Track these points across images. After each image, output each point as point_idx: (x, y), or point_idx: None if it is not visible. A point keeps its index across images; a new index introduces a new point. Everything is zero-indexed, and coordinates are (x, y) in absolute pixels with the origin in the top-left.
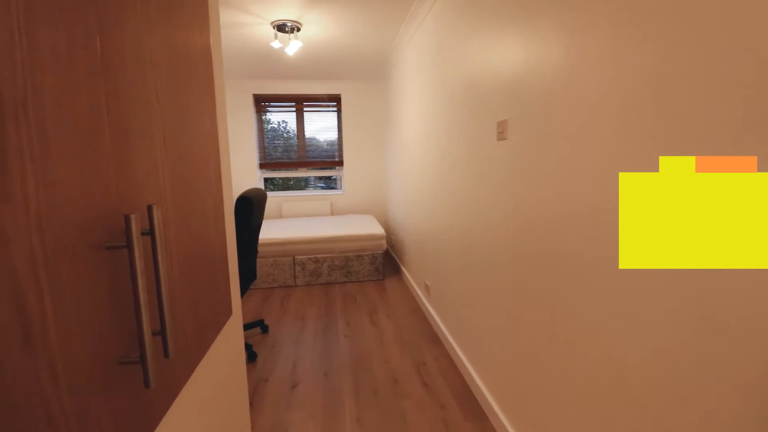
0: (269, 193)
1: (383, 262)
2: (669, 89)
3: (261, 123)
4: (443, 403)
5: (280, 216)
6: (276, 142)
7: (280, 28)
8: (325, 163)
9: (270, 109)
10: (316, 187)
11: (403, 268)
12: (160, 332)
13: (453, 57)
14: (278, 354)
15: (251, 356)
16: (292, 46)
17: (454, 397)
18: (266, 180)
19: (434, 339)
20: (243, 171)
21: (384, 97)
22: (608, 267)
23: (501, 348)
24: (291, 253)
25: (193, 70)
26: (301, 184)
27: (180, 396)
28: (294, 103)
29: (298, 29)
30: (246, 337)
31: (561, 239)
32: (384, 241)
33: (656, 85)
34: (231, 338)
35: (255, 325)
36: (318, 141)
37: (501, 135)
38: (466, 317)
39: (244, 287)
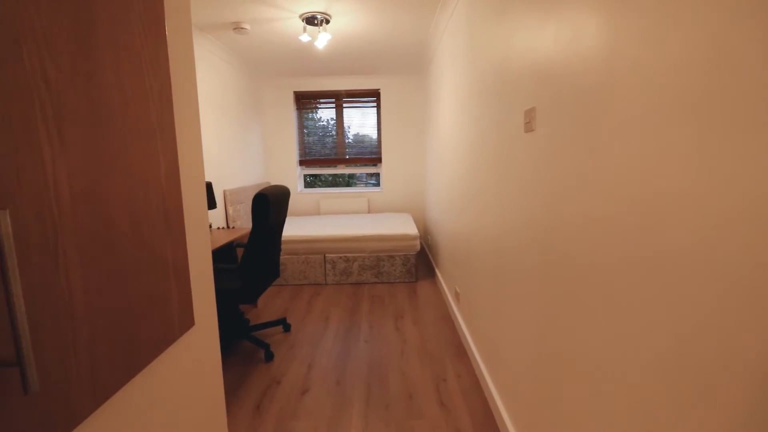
0: (309, 190)
1: (416, 263)
2: (734, 71)
3: (301, 120)
4: (458, 429)
5: (318, 213)
6: (315, 138)
7: (310, 20)
8: (364, 160)
9: (310, 105)
10: (368, 184)
11: (437, 271)
12: (17, 363)
13: (483, 40)
14: (295, 355)
15: (268, 356)
16: (321, 39)
17: (472, 423)
18: (313, 177)
19: (460, 352)
20: (284, 168)
21: (423, 90)
22: (660, 278)
23: (528, 374)
24: (322, 251)
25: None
26: (350, 181)
27: (92, 420)
28: (333, 99)
29: (328, 21)
30: (267, 336)
31: (597, 244)
32: (417, 242)
33: (720, 66)
34: (196, 350)
35: (278, 323)
36: (357, 137)
37: (528, 126)
38: (492, 331)
39: (264, 285)
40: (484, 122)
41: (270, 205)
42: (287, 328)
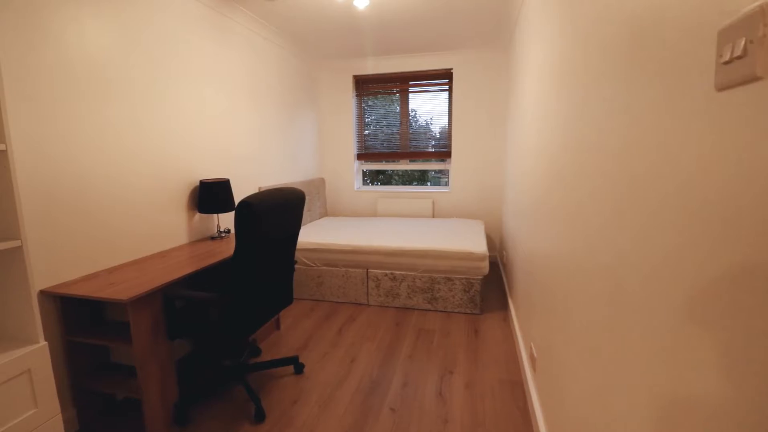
0: (366, 188)
1: (482, 290)
2: None
3: (360, 108)
4: None
5: (374, 214)
6: (376, 129)
7: None
8: (430, 154)
9: (372, 91)
10: (432, 181)
11: (510, 304)
12: None
13: None
14: (292, 421)
15: (258, 415)
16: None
17: None
18: (377, 173)
19: None
20: (340, 163)
21: (505, 69)
22: None
23: None
24: (364, 264)
25: None
26: (420, 177)
27: None
28: (398, 83)
29: None
30: (271, 378)
31: None
32: (485, 264)
33: None
34: None
35: (288, 363)
36: (423, 128)
37: (732, 71)
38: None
39: (255, 323)
40: (597, 102)
41: (256, 217)
42: (299, 369)
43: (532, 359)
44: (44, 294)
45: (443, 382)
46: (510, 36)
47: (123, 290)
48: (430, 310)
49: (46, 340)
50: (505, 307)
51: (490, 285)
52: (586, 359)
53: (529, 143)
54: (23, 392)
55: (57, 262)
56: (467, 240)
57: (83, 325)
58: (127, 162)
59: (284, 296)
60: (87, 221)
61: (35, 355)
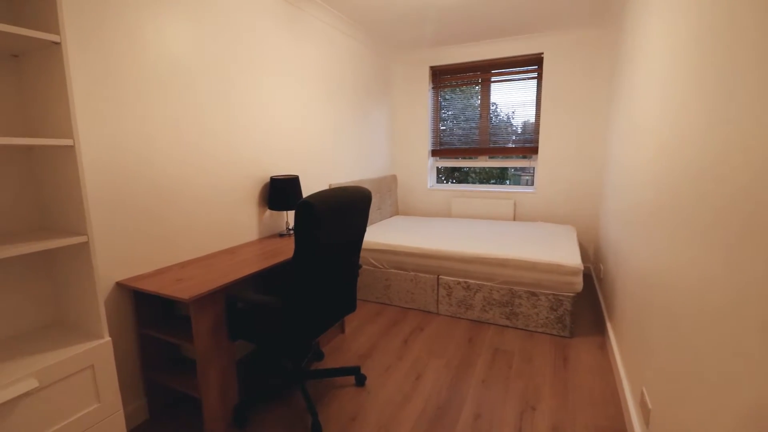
0: (440, 186)
1: (573, 310)
2: None
3: (437, 101)
4: None
5: (448, 215)
6: (453, 123)
7: None
8: (513, 150)
9: (450, 83)
10: (512, 180)
11: (609, 330)
12: None
13: None
14: None
15: (315, 429)
16: None
17: None
18: (452, 170)
19: None
20: (412, 159)
21: (608, 51)
22: None
23: None
24: (435, 270)
25: None
26: (500, 175)
27: None
28: (479, 72)
29: None
30: (331, 388)
31: None
32: (578, 279)
33: None
34: None
35: (349, 373)
36: (505, 121)
37: None
38: None
39: (317, 329)
40: None
41: (315, 217)
42: (361, 381)
43: (644, 409)
44: (120, 286)
45: (524, 419)
46: (620, 9)
47: (187, 288)
48: (508, 327)
49: (119, 331)
50: (601, 331)
51: (582, 302)
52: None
53: (651, 138)
54: (86, 387)
55: (133, 254)
56: (556, 249)
57: (155, 318)
58: (201, 159)
59: (346, 303)
60: (161, 216)
61: (99, 351)
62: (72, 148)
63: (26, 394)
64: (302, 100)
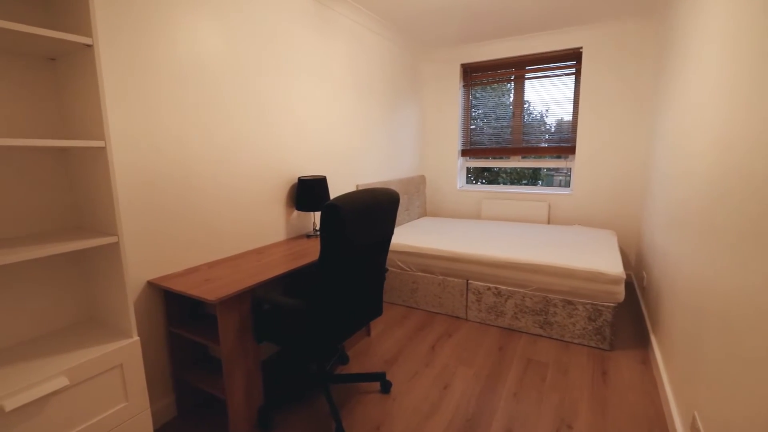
0: (469, 187)
1: (613, 321)
2: None
3: (468, 100)
4: None
5: (478, 217)
6: (484, 122)
7: None
8: (548, 150)
9: (481, 80)
10: (545, 180)
11: (654, 344)
12: None
13: None
14: None
15: None
16: None
17: None
18: (482, 170)
19: None
20: (442, 159)
21: (654, 44)
22: None
23: None
24: (464, 274)
25: None
26: (534, 175)
27: None
28: (513, 69)
29: None
30: (356, 393)
31: None
32: (620, 289)
33: None
34: None
35: (374, 379)
36: (539, 120)
37: None
38: None
39: (342, 334)
40: None
41: (341, 220)
42: (386, 387)
43: None
44: (151, 285)
45: None
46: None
47: (214, 289)
48: (542, 336)
49: (150, 329)
50: (644, 344)
51: (622, 312)
52: None
53: (706, 136)
54: (114, 386)
55: (164, 254)
56: (595, 255)
57: (184, 317)
58: (230, 159)
59: (372, 308)
60: (191, 216)
61: (128, 350)
62: (104, 149)
63: (56, 392)
64: (331, 100)
